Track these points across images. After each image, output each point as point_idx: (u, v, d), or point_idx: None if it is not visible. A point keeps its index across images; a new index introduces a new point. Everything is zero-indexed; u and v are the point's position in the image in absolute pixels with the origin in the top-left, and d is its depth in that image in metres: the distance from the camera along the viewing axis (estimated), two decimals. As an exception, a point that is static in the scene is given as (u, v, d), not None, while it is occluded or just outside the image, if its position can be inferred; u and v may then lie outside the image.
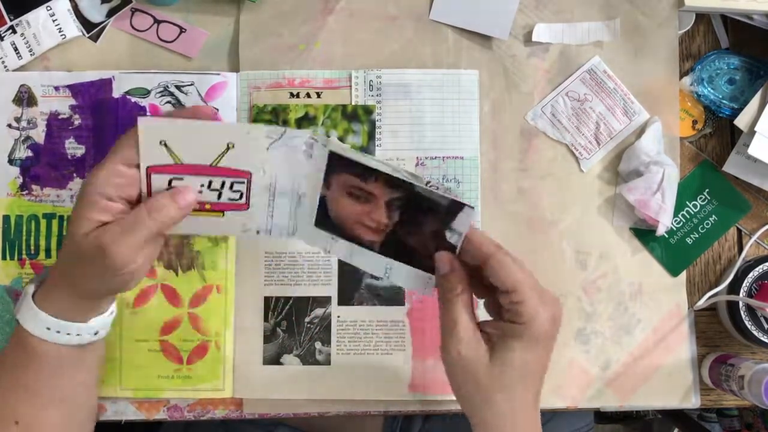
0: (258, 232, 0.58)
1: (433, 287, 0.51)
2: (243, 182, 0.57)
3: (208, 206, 0.55)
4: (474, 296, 0.49)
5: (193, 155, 0.53)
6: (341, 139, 0.63)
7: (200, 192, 0.53)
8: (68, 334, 0.50)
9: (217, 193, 0.55)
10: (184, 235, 0.62)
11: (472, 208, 0.47)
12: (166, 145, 0.50)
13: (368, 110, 0.63)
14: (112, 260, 0.46)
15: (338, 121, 0.63)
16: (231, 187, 0.56)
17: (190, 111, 0.54)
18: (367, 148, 0.63)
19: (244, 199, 0.57)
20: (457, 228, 0.48)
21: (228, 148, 0.55)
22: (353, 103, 0.64)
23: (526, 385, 0.47)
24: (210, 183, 0.55)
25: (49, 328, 0.50)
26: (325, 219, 0.52)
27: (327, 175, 0.50)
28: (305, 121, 0.63)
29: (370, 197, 0.49)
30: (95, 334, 0.52)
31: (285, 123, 0.63)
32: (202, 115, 0.50)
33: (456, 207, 0.47)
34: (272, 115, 0.63)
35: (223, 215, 0.56)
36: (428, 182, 0.48)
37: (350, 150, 0.50)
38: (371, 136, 0.63)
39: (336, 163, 0.48)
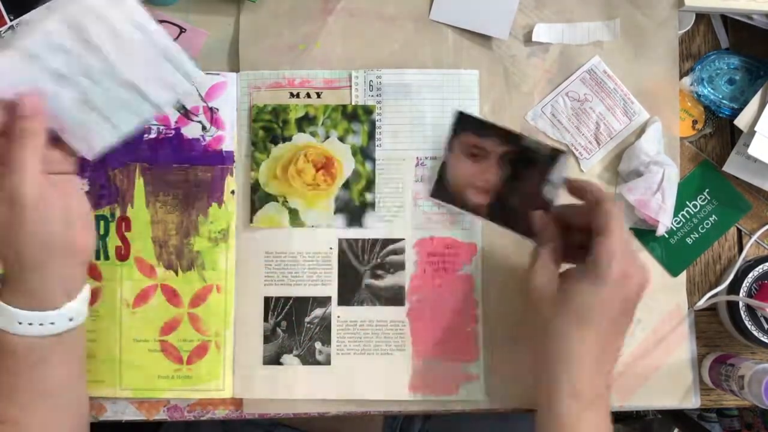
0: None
1: None
2: None
3: None
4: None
5: None
6: (341, 139, 0.63)
7: None
8: (41, 324, 0.49)
9: None
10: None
11: (565, 152, 0.56)
12: None
13: (368, 110, 0.63)
14: (20, 198, 0.46)
15: (338, 121, 0.63)
16: None
17: None
18: (367, 148, 0.63)
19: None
20: (554, 179, 0.56)
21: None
22: (353, 103, 0.64)
23: (584, 322, 0.50)
24: None
25: (20, 323, 0.48)
26: (441, 186, 0.59)
27: (451, 138, 0.57)
28: (305, 121, 0.63)
29: (486, 154, 0.57)
30: (70, 320, 0.50)
31: (285, 123, 0.63)
32: None
33: (554, 155, 0.55)
34: (272, 115, 0.63)
35: None
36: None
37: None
38: (371, 136, 0.63)
39: (462, 123, 0.57)
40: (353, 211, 0.63)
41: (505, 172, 0.59)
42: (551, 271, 0.53)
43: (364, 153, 0.63)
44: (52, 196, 0.48)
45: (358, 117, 0.63)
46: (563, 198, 0.56)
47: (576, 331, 0.50)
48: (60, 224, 0.48)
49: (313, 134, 0.63)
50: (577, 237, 0.55)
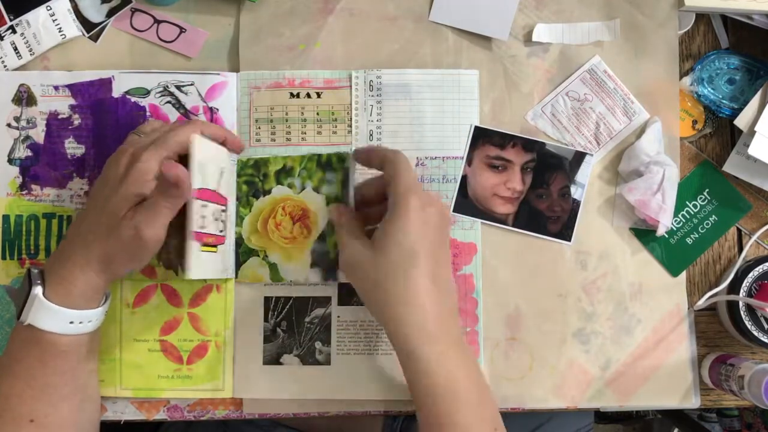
0: (227, 271, 0.60)
1: None
2: (225, 211, 0.58)
3: (212, 239, 0.55)
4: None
5: (208, 180, 0.54)
6: (316, 189, 0.60)
7: (208, 220, 0.55)
8: (90, 321, 0.52)
9: (217, 223, 0.56)
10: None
11: (592, 155, 0.59)
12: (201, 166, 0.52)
13: (341, 158, 0.60)
14: (146, 240, 0.50)
15: (313, 171, 0.61)
16: (220, 216, 0.57)
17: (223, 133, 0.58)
18: (341, 197, 0.60)
19: (225, 231, 0.58)
20: (580, 180, 0.58)
21: (221, 174, 0.56)
22: (325, 153, 0.62)
23: (409, 263, 0.50)
24: (213, 211, 0.55)
25: (72, 322, 0.51)
26: (464, 201, 0.60)
27: (470, 152, 0.59)
28: (283, 173, 0.61)
29: (507, 164, 0.59)
30: (103, 315, 0.55)
31: (265, 176, 0.61)
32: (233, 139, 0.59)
33: (579, 157, 0.58)
34: (254, 169, 0.62)
35: (217, 250, 0.57)
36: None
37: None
38: (345, 184, 0.60)
39: (479, 136, 0.57)
40: (329, 264, 0.60)
41: (529, 179, 0.61)
42: (363, 241, 0.53)
43: (339, 202, 0.60)
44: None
45: (332, 166, 0.60)
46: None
47: (405, 273, 0.50)
48: (152, 251, 0.53)
49: (291, 186, 0.61)
50: (376, 209, 0.57)
